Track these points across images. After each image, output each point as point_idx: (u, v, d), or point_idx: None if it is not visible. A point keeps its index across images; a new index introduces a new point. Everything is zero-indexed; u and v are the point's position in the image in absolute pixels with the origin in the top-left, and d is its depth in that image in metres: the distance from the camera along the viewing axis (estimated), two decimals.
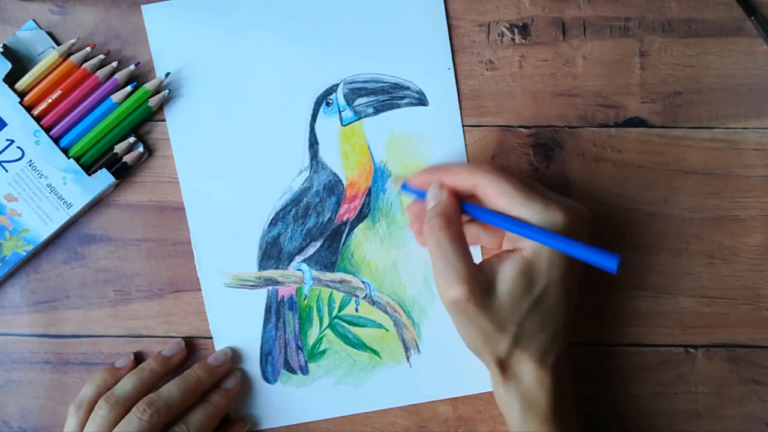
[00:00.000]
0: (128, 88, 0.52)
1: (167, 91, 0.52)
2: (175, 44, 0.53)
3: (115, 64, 0.52)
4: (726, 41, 0.52)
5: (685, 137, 0.52)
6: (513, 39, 0.52)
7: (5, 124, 0.51)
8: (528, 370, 0.46)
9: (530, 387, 0.46)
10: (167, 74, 0.52)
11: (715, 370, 0.53)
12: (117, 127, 0.52)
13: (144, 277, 0.53)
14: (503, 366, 0.46)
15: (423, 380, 0.53)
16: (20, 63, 0.52)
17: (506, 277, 0.44)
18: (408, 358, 0.53)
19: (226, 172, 0.53)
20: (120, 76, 0.52)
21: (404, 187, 0.51)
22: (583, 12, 0.52)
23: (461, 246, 0.45)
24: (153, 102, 0.52)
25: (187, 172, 0.53)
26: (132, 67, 0.52)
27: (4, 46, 0.52)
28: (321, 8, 0.53)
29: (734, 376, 0.53)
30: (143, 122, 0.53)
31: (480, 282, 0.44)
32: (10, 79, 0.51)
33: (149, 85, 0.52)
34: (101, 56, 0.52)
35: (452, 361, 0.53)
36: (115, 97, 0.52)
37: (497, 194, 0.45)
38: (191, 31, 0.53)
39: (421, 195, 0.49)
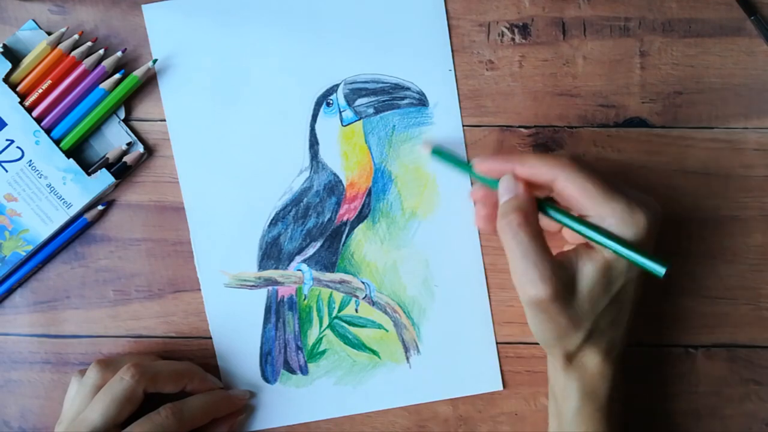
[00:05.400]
0: (117, 76, 0.51)
1: (152, 61, 0.52)
2: (175, 44, 0.53)
3: (102, 51, 0.51)
4: (726, 41, 0.52)
5: (685, 137, 0.52)
6: (513, 39, 0.52)
7: (5, 124, 0.51)
8: (594, 362, 0.46)
9: (593, 377, 0.46)
10: (154, 61, 0.52)
11: (716, 370, 0.53)
12: (108, 116, 0.52)
13: (144, 277, 0.53)
14: (569, 357, 0.46)
15: (423, 380, 0.53)
16: (20, 63, 0.52)
17: (586, 276, 0.44)
18: (408, 358, 0.53)
19: (227, 172, 0.53)
20: (108, 63, 0.51)
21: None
22: (583, 12, 0.52)
23: (542, 244, 0.44)
24: (139, 72, 0.51)
25: (187, 172, 0.53)
26: (119, 53, 0.52)
27: (4, 46, 0.52)
28: (322, 9, 0.53)
29: (734, 376, 0.53)
30: (132, 97, 0.53)
31: (562, 281, 0.43)
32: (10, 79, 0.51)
33: (138, 72, 0.52)
34: (89, 44, 0.52)
35: (452, 362, 0.53)
36: (104, 85, 0.51)
37: (578, 192, 0.44)
38: (192, 31, 0.53)
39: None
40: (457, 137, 0.53)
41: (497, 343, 0.53)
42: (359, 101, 0.53)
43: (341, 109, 0.53)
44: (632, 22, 0.52)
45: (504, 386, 0.53)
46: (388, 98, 0.53)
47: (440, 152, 0.50)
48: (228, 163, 0.53)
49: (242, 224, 0.53)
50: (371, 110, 0.53)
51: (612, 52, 0.52)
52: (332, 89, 0.53)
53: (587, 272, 0.44)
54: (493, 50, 0.53)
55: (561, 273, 0.43)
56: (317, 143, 0.53)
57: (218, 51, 0.53)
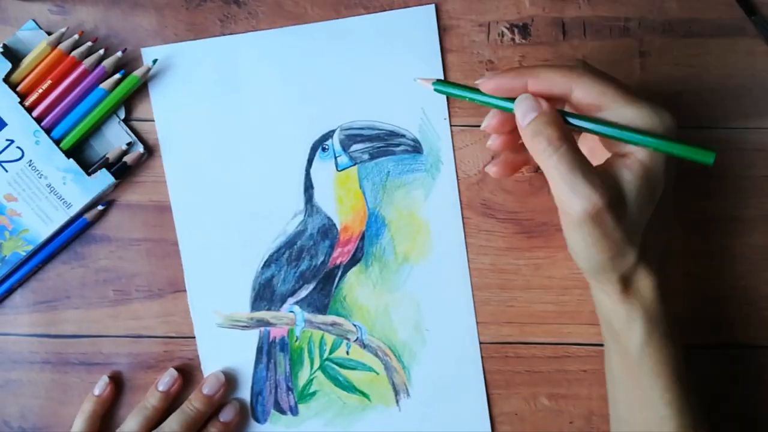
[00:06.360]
0: (117, 76, 0.52)
1: (153, 61, 0.52)
2: (173, 88, 0.53)
3: (102, 51, 0.52)
4: (726, 41, 0.52)
5: (685, 138, 0.52)
6: (513, 39, 0.52)
7: (5, 124, 0.51)
8: (650, 285, 0.43)
9: (654, 301, 0.43)
10: (155, 61, 0.52)
11: (715, 369, 0.53)
12: (108, 116, 0.52)
13: (144, 277, 0.53)
14: (626, 282, 0.43)
15: (412, 424, 0.53)
16: (20, 63, 0.52)
17: (630, 183, 0.41)
18: (397, 401, 0.53)
19: (222, 214, 0.53)
20: (108, 63, 0.51)
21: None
22: (583, 12, 0.52)
23: (583, 156, 0.41)
24: (139, 73, 0.52)
25: (183, 214, 0.53)
26: (119, 53, 0.52)
27: (4, 46, 0.52)
28: (320, 57, 0.52)
29: (734, 376, 0.53)
30: (132, 97, 0.53)
31: (613, 191, 0.40)
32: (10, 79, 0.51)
33: (138, 73, 0.52)
34: (89, 44, 0.52)
35: (441, 406, 0.53)
36: (104, 85, 0.51)
37: (599, 98, 0.41)
38: (190, 76, 0.53)
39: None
40: (451, 185, 0.53)
41: (497, 342, 0.53)
42: (354, 147, 0.53)
43: (336, 155, 0.53)
44: (632, 23, 0.52)
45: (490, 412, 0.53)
46: (383, 145, 0.53)
47: (443, 83, 0.46)
48: (223, 204, 0.53)
49: (236, 265, 0.53)
50: (366, 156, 0.53)
51: (612, 52, 0.52)
52: (328, 135, 0.53)
53: (629, 179, 0.41)
54: (493, 50, 0.52)
55: (609, 182, 0.41)
56: (312, 187, 0.53)
57: (216, 95, 0.53)
